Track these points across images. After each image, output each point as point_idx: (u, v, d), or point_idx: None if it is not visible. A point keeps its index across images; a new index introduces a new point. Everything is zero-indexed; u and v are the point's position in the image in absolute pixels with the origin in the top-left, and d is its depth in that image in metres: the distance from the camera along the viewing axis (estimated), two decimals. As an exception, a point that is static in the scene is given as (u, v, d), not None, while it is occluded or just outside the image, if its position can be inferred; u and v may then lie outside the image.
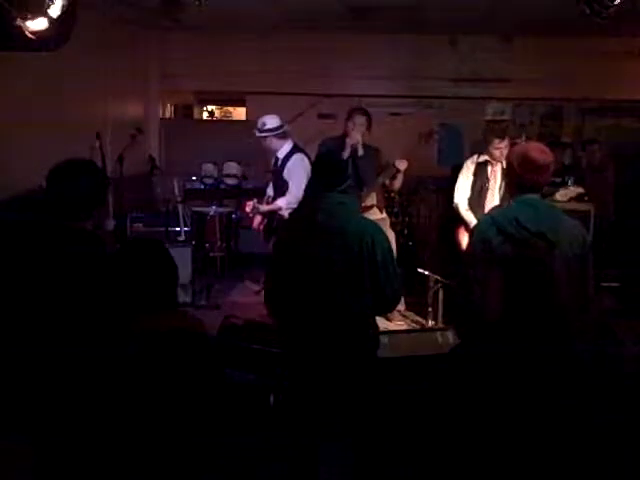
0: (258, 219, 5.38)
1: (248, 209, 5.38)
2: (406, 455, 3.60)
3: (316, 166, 3.14)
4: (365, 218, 3.17)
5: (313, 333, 2.87)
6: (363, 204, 4.89)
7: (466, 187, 5.03)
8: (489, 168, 4.93)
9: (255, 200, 5.36)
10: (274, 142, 5.17)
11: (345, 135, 4.99)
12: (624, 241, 6.77)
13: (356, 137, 4.92)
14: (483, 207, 4.88)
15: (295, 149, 5.19)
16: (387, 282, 2.83)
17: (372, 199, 5.05)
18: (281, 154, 5.20)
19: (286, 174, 5.13)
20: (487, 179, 4.92)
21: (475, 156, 5.07)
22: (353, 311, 2.86)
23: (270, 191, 5.49)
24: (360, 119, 4.97)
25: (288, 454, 3.06)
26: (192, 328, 2.13)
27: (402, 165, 4.86)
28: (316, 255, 2.83)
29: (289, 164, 5.13)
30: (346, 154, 4.80)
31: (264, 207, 5.28)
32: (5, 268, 2.34)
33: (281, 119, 5.26)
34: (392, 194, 6.19)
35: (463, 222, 5.05)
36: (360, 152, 4.92)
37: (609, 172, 7.09)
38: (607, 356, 4.05)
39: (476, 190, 4.95)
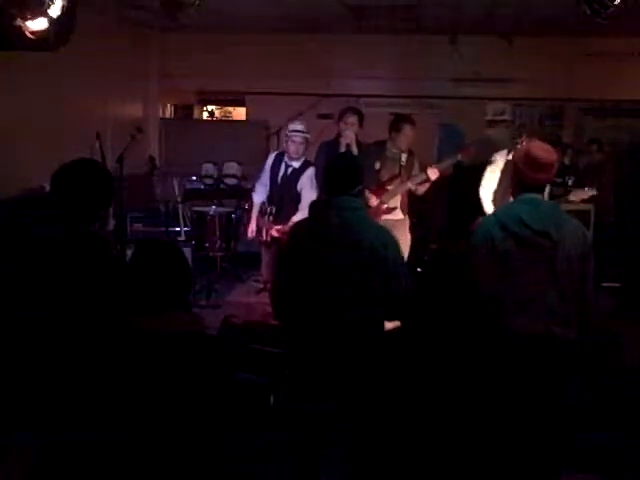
0: (254, 228, 5.29)
1: (277, 234, 5.09)
2: (406, 455, 3.60)
3: (329, 169, 3.03)
4: (376, 223, 3.13)
5: (322, 336, 2.84)
6: (386, 205, 4.91)
7: (492, 182, 4.91)
8: None
9: (282, 226, 5.06)
10: (301, 148, 5.13)
11: (339, 136, 5.03)
12: (624, 241, 6.77)
13: (350, 136, 4.95)
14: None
15: (309, 162, 5.19)
16: (398, 288, 2.81)
17: (396, 201, 5.03)
18: (296, 164, 5.17)
19: (299, 185, 5.11)
20: None
21: (505, 151, 4.93)
22: (363, 314, 2.83)
23: (258, 198, 5.37)
24: (351, 118, 4.99)
25: (289, 455, 3.05)
26: (204, 330, 2.12)
27: (433, 175, 4.88)
28: (327, 257, 2.80)
29: (304, 177, 5.11)
30: None
31: (286, 227, 4.94)
32: (17, 270, 2.30)
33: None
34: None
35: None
36: (354, 150, 4.93)
37: (609, 172, 7.10)
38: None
39: (503, 186, 4.81)
